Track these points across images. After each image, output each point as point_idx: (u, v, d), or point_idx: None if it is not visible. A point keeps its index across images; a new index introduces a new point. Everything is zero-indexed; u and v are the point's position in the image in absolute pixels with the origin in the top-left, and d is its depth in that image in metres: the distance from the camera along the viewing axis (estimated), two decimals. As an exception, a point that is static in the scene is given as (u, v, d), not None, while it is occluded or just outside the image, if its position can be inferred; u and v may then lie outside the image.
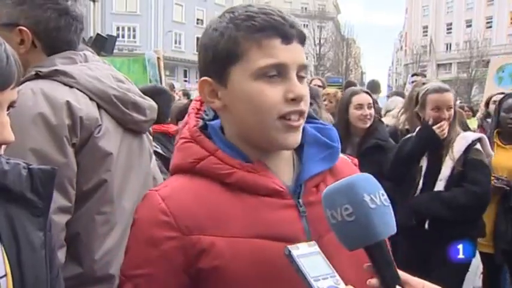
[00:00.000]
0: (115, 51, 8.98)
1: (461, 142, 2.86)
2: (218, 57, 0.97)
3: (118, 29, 38.66)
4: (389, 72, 75.64)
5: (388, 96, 6.66)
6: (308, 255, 0.80)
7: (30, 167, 0.97)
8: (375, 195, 0.85)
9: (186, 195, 0.97)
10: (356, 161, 2.39)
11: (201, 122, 1.07)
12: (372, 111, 3.40)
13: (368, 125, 3.38)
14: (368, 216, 0.83)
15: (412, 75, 6.71)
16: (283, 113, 0.96)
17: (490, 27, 53.25)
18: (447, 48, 57.59)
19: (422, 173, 2.96)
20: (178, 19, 41.96)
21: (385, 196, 0.87)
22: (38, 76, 1.40)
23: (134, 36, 40.82)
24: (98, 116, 1.42)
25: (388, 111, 5.33)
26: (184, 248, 0.93)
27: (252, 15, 0.95)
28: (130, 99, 1.52)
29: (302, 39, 0.99)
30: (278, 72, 0.96)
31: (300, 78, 0.98)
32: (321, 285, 0.77)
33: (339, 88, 5.81)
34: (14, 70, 0.84)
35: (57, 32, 1.45)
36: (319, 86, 5.39)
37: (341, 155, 2.27)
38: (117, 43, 9.33)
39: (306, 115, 1.00)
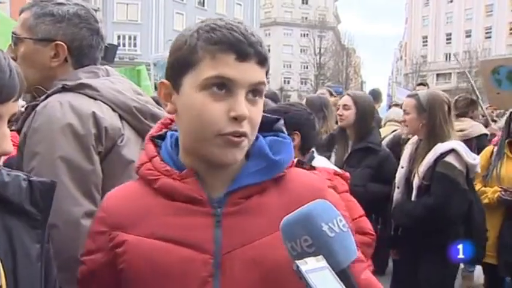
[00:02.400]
0: (116, 59, 8.99)
1: (430, 154, 2.88)
2: (176, 62, 1.00)
3: (119, 37, 38.85)
4: (389, 82, 75.89)
5: (389, 106, 6.66)
6: (316, 270, 0.80)
7: (31, 179, 0.97)
8: (333, 222, 0.85)
9: (121, 195, 1.08)
10: (347, 175, 2.40)
11: (163, 131, 1.12)
12: (347, 112, 3.41)
13: (343, 124, 3.44)
14: (328, 246, 0.83)
15: (418, 85, 6.78)
16: (223, 133, 0.96)
17: (489, 37, 53.57)
18: (446, 58, 57.83)
19: (401, 180, 3.06)
20: (179, 28, 42.16)
21: (343, 222, 0.87)
22: (64, 89, 1.50)
23: (135, 45, 41.03)
24: (121, 126, 1.52)
25: (388, 120, 5.34)
26: (108, 242, 1.03)
27: (214, 28, 0.96)
28: (150, 111, 1.61)
29: (261, 60, 0.98)
30: (225, 87, 0.95)
31: (252, 99, 0.97)
32: None
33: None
34: (16, 83, 0.85)
35: (89, 50, 1.60)
36: (330, 94, 5.39)
37: (322, 166, 2.26)
38: (118, 52, 9.35)
39: (251, 137, 1.00)
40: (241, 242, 0.99)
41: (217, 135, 0.96)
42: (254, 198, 1.02)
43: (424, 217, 2.84)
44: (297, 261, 0.80)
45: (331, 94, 5.63)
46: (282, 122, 1.13)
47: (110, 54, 8.10)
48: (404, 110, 3.11)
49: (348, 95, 3.57)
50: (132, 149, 1.53)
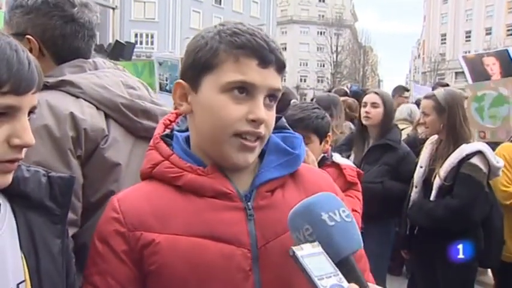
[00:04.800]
0: (133, 57, 9.07)
1: (455, 155, 2.83)
2: (196, 63, 1.01)
3: (136, 35, 39.21)
4: (406, 80, 75.11)
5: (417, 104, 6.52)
6: (312, 255, 0.83)
7: (50, 174, 0.98)
8: (334, 212, 0.87)
9: (137, 196, 1.04)
10: (361, 172, 2.40)
11: (167, 131, 1.12)
12: (376, 110, 3.38)
13: (369, 123, 3.39)
14: (328, 235, 0.85)
15: (436, 85, 6.68)
16: (240, 131, 0.98)
17: (511, 34, 52.54)
18: (466, 56, 56.84)
19: (420, 180, 3.01)
20: (195, 26, 42.33)
21: (347, 212, 0.88)
22: (45, 87, 1.37)
23: (152, 43, 41.32)
24: (105, 126, 1.39)
25: (398, 120, 5.22)
26: (129, 243, 0.99)
27: (237, 32, 0.99)
28: (140, 107, 1.48)
29: (280, 67, 1.01)
30: (246, 91, 0.98)
31: (268, 104, 1.01)
32: (325, 283, 0.79)
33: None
34: (35, 76, 0.86)
35: (63, 40, 1.45)
36: (345, 93, 5.36)
37: (345, 163, 2.28)
38: (135, 49, 9.43)
39: (265, 140, 1.03)
40: (274, 234, 1.00)
41: (233, 136, 0.98)
42: (277, 191, 1.06)
43: (445, 218, 2.80)
44: (293, 247, 0.83)
45: (345, 94, 5.59)
46: (284, 119, 1.16)
47: (127, 52, 8.19)
48: (423, 112, 3.06)
49: (376, 93, 3.51)
50: (120, 150, 1.41)
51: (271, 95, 1.01)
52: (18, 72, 0.82)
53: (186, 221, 0.99)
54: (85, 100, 1.38)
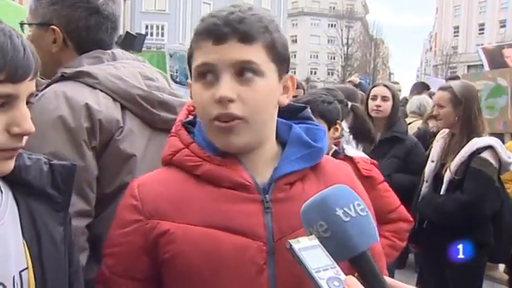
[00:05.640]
0: (143, 49, 9.07)
1: (465, 149, 2.78)
2: (188, 55, 1.04)
3: (147, 27, 39.22)
4: (417, 73, 74.54)
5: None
6: (309, 248, 0.82)
7: (51, 162, 0.98)
8: (349, 207, 0.85)
9: (155, 183, 1.04)
10: (375, 162, 2.39)
11: (190, 118, 1.12)
12: (386, 103, 3.38)
13: (379, 116, 3.38)
14: (343, 230, 0.83)
15: (449, 79, 6.63)
16: (213, 115, 0.97)
17: (525, 27, 51.79)
18: (479, 49, 56.20)
19: (431, 174, 2.98)
20: (206, 18, 42.23)
21: (362, 206, 0.86)
22: (63, 78, 1.39)
23: (162, 35, 41.31)
24: (120, 117, 1.39)
25: (410, 112, 5.17)
26: (145, 232, 0.99)
27: (203, 18, 1.00)
28: (158, 98, 1.47)
29: (243, 38, 0.96)
30: (211, 74, 0.97)
31: (243, 79, 0.96)
32: (322, 276, 0.79)
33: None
34: (31, 62, 0.84)
35: (88, 31, 1.47)
36: (355, 86, 5.32)
37: (358, 155, 2.28)
38: (145, 41, 9.43)
39: (251, 119, 0.97)
40: (291, 228, 0.98)
41: (210, 121, 0.99)
42: (296, 184, 1.04)
43: (454, 212, 2.77)
44: (289, 240, 0.83)
45: (356, 86, 5.54)
46: (309, 110, 1.14)
47: (137, 43, 8.18)
48: (438, 104, 2.99)
49: (386, 86, 3.50)
50: (136, 142, 1.42)
51: (242, 68, 0.96)
52: (13, 60, 0.80)
53: (203, 211, 0.99)
54: (101, 91, 1.38)
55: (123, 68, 1.47)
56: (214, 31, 0.96)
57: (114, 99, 1.40)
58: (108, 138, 1.35)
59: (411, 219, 2.37)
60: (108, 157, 1.36)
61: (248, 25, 0.96)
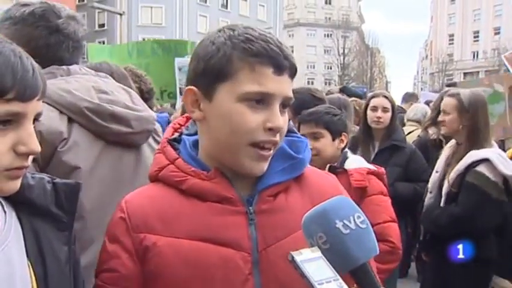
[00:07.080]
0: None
1: (462, 162, 2.70)
2: (209, 70, 0.99)
3: (144, 40, 39.40)
4: (414, 81, 74.78)
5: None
6: (311, 260, 0.82)
7: (55, 181, 0.97)
8: (349, 219, 0.85)
9: (142, 198, 1.06)
10: (382, 170, 2.36)
11: (176, 135, 1.13)
12: (386, 115, 3.41)
13: (380, 127, 3.41)
14: (342, 243, 0.84)
15: (447, 86, 6.81)
16: (257, 141, 0.98)
17: (520, 34, 52.12)
18: (474, 57, 56.61)
19: (435, 185, 2.94)
20: (202, 30, 42.46)
21: (362, 218, 0.86)
22: None
23: (159, 48, 41.50)
24: (65, 129, 1.41)
25: (408, 120, 5.20)
26: (134, 244, 1.01)
27: (251, 39, 0.97)
28: (107, 111, 1.48)
29: (293, 72, 1.01)
30: (263, 100, 0.98)
31: (282, 111, 1.01)
32: None
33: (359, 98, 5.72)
34: (39, 82, 0.86)
35: (47, 49, 1.49)
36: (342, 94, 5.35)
37: (359, 167, 2.23)
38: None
39: (277, 147, 1.03)
40: (275, 238, 1.01)
41: (250, 145, 0.99)
42: (280, 196, 1.06)
43: (448, 226, 2.70)
44: (291, 252, 0.83)
45: (341, 91, 5.60)
46: (291, 123, 1.14)
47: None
48: (443, 110, 2.92)
49: (385, 97, 3.51)
50: (81, 154, 1.42)
51: (287, 102, 1.01)
52: (22, 79, 0.82)
53: (189, 225, 1.00)
54: (48, 104, 1.39)
55: (75, 82, 1.50)
56: (277, 61, 0.97)
57: (61, 112, 1.42)
58: (51, 150, 1.36)
59: (394, 241, 2.10)
60: (52, 169, 1.35)
61: (295, 61, 1.02)
